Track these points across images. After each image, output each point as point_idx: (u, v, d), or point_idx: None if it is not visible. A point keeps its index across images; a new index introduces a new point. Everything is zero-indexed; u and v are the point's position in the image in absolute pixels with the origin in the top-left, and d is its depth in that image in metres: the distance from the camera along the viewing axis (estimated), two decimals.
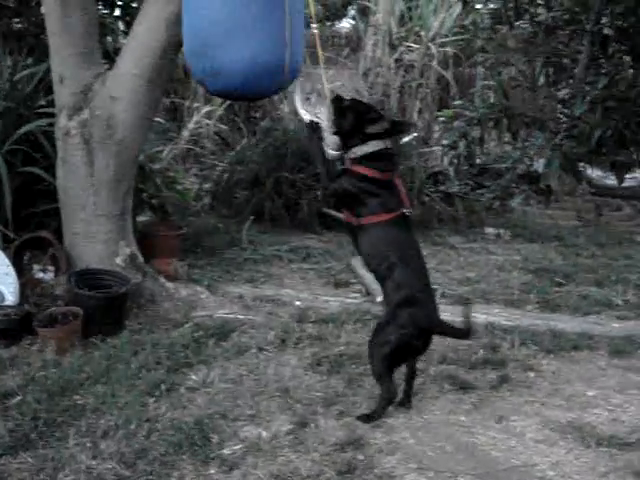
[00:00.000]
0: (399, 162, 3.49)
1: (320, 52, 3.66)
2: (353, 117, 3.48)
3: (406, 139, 8.33)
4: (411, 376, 3.56)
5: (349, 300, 5.06)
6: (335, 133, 3.54)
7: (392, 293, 3.40)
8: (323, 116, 3.56)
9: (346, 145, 3.51)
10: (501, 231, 7.51)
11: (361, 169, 3.43)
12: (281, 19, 3.41)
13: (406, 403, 3.52)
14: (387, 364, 3.35)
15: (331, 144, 3.53)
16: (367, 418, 3.35)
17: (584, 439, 3.22)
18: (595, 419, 3.44)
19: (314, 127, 3.57)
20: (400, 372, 3.51)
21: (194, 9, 3.47)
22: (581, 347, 4.30)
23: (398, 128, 3.63)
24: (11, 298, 4.33)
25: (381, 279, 3.47)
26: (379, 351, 3.35)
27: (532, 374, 3.93)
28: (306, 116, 3.61)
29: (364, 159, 3.44)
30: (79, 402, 3.43)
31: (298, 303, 4.97)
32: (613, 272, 5.97)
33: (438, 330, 3.49)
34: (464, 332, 3.50)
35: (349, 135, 3.49)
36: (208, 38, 3.42)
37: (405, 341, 3.34)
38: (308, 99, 3.71)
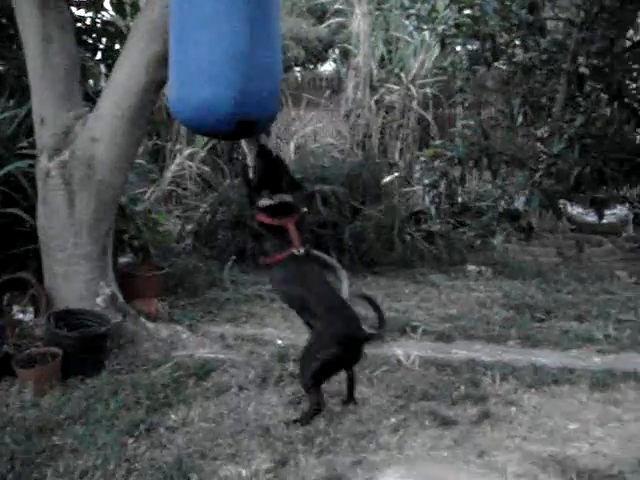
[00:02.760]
0: (296, 210, 3.94)
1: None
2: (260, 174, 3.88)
3: (387, 179, 8.41)
4: (350, 379, 3.89)
5: None
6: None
7: (312, 319, 3.75)
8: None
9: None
10: (482, 268, 7.56)
11: (260, 217, 3.89)
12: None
13: (350, 401, 3.90)
14: (315, 380, 3.65)
15: None
16: (294, 422, 3.63)
17: (565, 472, 3.20)
18: (576, 452, 3.42)
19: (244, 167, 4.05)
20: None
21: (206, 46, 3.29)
22: (562, 381, 4.30)
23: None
24: None
25: (298, 311, 3.87)
26: (308, 368, 3.65)
27: (513, 409, 3.91)
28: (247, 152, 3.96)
29: (263, 210, 3.87)
30: (57, 443, 3.40)
31: (279, 342, 4.97)
32: (594, 307, 6.01)
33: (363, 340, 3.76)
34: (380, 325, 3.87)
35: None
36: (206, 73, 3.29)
37: (331, 360, 3.63)
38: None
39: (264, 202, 3.84)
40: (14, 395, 3.93)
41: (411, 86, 10.67)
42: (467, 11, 8.27)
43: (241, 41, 3.28)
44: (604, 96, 8.28)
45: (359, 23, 11.05)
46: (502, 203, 8.67)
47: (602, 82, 8.11)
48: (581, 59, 8.03)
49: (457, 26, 8.25)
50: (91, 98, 5.29)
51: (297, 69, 13.87)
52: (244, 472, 3.18)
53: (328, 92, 11.87)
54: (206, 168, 9.79)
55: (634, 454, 3.39)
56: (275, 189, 3.87)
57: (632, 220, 10.14)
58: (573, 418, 3.82)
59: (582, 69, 8.06)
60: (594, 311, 5.88)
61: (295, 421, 3.64)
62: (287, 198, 3.90)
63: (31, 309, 4.64)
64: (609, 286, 6.93)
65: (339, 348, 3.61)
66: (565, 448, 3.47)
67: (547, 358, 4.73)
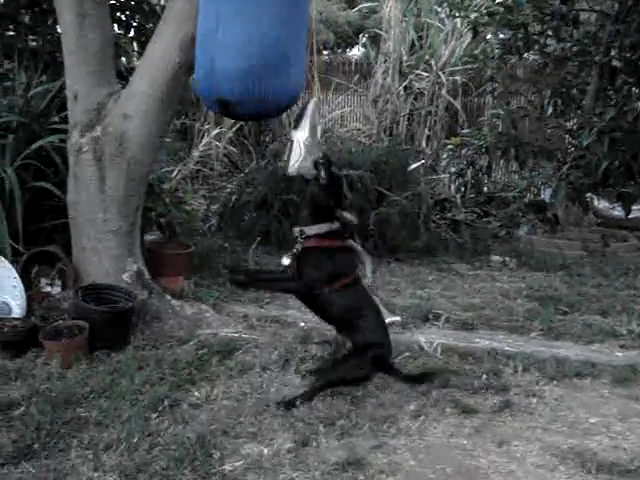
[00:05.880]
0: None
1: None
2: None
3: (414, 166, 8.40)
4: None
5: None
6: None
7: (361, 337, 3.73)
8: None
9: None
10: (507, 259, 7.54)
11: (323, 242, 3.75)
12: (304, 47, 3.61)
13: None
14: (335, 384, 3.76)
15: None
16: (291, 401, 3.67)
17: (584, 465, 3.20)
18: (596, 446, 3.42)
19: None
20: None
21: (250, 34, 3.38)
22: (584, 375, 4.29)
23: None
24: (18, 311, 4.38)
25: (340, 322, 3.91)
26: (338, 374, 3.76)
27: (534, 400, 3.92)
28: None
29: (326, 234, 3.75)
30: (82, 415, 3.46)
31: (302, 324, 4.98)
32: (618, 302, 5.98)
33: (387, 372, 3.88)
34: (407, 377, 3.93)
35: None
36: (263, 64, 3.38)
37: (360, 378, 3.76)
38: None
39: (327, 226, 3.73)
40: (40, 367, 4.00)
41: (441, 73, 10.62)
42: None
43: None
44: (636, 90, 8.20)
45: (390, 8, 10.99)
46: (528, 194, 8.64)
47: (634, 76, 8.02)
48: (614, 52, 7.94)
49: (490, 14, 8.18)
50: (123, 75, 5.33)
51: (326, 53, 13.84)
52: (266, 451, 3.22)
53: (357, 77, 11.85)
54: (233, 149, 9.82)
55: None
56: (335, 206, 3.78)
57: None
58: (594, 412, 3.81)
59: (615, 62, 7.98)
60: (618, 306, 5.84)
61: (292, 401, 3.67)
62: (347, 216, 3.80)
63: (59, 282, 4.71)
64: (634, 282, 6.88)
65: (373, 369, 3.71)
66: (585, 441, 3.47)
67: (569, 351, 4.72)
